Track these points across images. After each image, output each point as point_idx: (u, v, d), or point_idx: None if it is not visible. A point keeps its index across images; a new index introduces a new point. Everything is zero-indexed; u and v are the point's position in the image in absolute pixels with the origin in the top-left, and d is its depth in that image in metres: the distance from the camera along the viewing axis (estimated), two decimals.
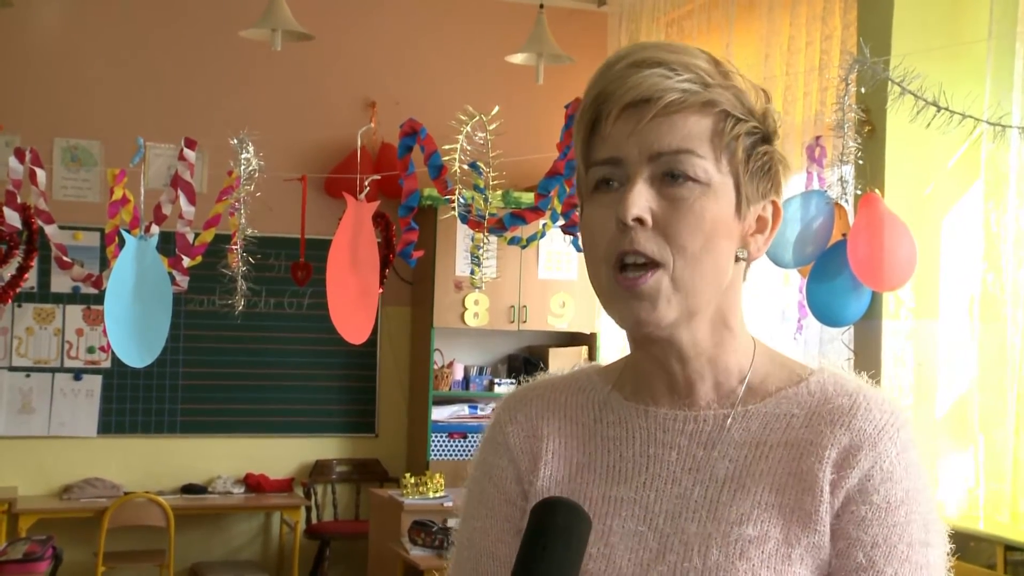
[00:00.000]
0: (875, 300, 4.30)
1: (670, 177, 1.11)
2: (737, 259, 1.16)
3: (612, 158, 1.13)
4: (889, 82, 3.69)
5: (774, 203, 1.19)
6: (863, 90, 3.93)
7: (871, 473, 1.11)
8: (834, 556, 1.11)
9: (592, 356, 6.91)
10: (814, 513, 1.11)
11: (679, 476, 1.16)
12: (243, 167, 4.32)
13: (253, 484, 6.68)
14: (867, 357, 4.45)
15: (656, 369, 1.19)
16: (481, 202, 4.18)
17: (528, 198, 5.97)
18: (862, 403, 1.15)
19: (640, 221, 1.10)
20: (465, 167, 4.11)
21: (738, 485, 1.14)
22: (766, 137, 1.16)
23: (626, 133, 1.11)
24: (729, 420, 1.17)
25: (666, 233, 1.10)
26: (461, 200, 4.19)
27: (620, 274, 1.12)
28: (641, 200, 1.10)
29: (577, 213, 4.18)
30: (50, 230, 4.46)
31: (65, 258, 4.48)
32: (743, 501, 1.13)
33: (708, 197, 1.11)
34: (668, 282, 1.11)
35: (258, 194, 4.39)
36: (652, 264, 1.11)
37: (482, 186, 4.15)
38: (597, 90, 1.14)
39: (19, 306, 6.40)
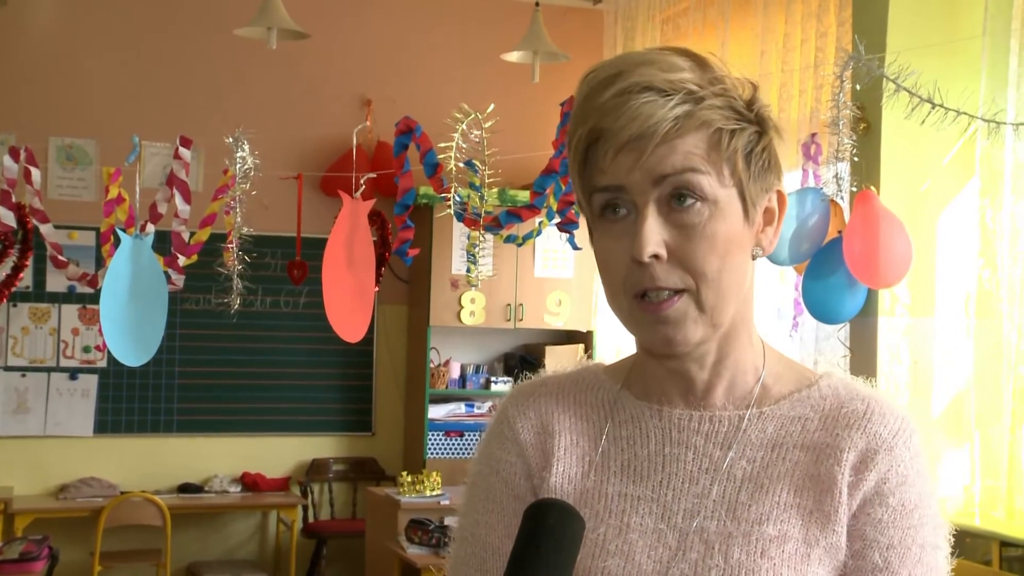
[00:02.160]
0: (871, 297, 4.31)
1: (677, 201, 1.10)
2: (753, 257, 1.17)
3: (615, 186, 1.12)
4: (884, 79, 3.70)
5: (778, 192, 1.19)
6: (858, 87, 3.94)
7: (887, 476, 1.14)
8: (849, 557, 1.13)
9: (589, 354, 6.90)
10: (833, 514, 1.13)
11: (696, 476, 1.16)
12: (239, 165, 4.31)
13: (250, 483, 6.67)
14: (863, 354, 4.45)
15: (672, 375, 1.19)
16: (477, 200, 4.18)
17: (524, 196, 5.97)
18: (875, 408, 1.17)
19: (656, 256, 1.09)
20: (461, 165, 4.11)
21: (756, 486, 1.15)
22: (760, 132, 1.15)
23: (627, 167, 1.10)
24: (745, 421, 1.18)
25: (683, 263, 1.10)
26: (457, 198, 4.19)
27: (642, 301, 1.12)
28: (654, 236, 1.09)
29: (573, 211, 4.20)
30: (45, 229, 4.45)
31: (60, 257, 4.47)
32: (762, 501, 1.14)
33: (716, 217, 1.11)
34: (693, 305, 1.11)
35: (254, 192, 4.39)
36: (676, 291, 1.11)
37: (478, 184, 4.15)
38: (590, 124, 1.11)
39: (14, 305, 6.39)
